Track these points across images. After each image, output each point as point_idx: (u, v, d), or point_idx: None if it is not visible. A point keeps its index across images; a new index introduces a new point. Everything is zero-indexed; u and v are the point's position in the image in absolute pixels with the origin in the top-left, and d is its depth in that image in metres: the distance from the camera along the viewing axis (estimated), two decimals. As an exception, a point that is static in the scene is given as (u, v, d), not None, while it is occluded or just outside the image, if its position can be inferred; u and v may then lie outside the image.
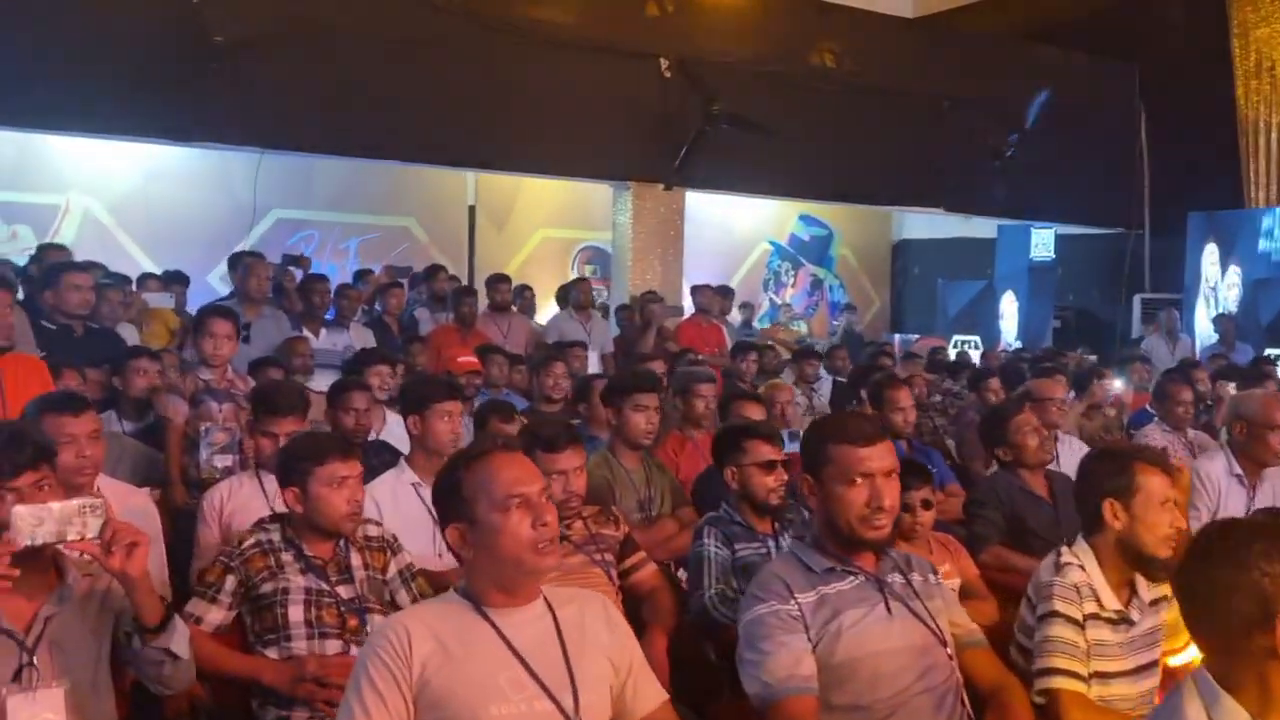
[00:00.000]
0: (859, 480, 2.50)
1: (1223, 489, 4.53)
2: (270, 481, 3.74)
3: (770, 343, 9.26)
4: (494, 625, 2.19)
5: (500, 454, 2.25)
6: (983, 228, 13.59)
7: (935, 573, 2.75)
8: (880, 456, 2.53)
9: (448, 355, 6.44)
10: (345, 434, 4.44)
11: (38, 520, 2.33)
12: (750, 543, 3.59)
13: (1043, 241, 12.63)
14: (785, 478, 3.65)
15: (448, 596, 2.29)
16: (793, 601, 2.51)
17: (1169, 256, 12.20)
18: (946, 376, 8.20)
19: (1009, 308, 12.83)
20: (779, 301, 14.13)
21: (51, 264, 5.81)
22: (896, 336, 13.64)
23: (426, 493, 3.90)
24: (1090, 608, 2.75)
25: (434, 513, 3.94)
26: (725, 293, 10.13)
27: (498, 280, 8.61)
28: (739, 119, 9.63)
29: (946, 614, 2.66)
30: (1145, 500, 2.77)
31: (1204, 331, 11.41)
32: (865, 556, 2.61)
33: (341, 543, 3.14)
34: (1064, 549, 2.86)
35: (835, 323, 14.29)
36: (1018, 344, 12.30)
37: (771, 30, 10.81)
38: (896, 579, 2.62)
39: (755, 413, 4.71)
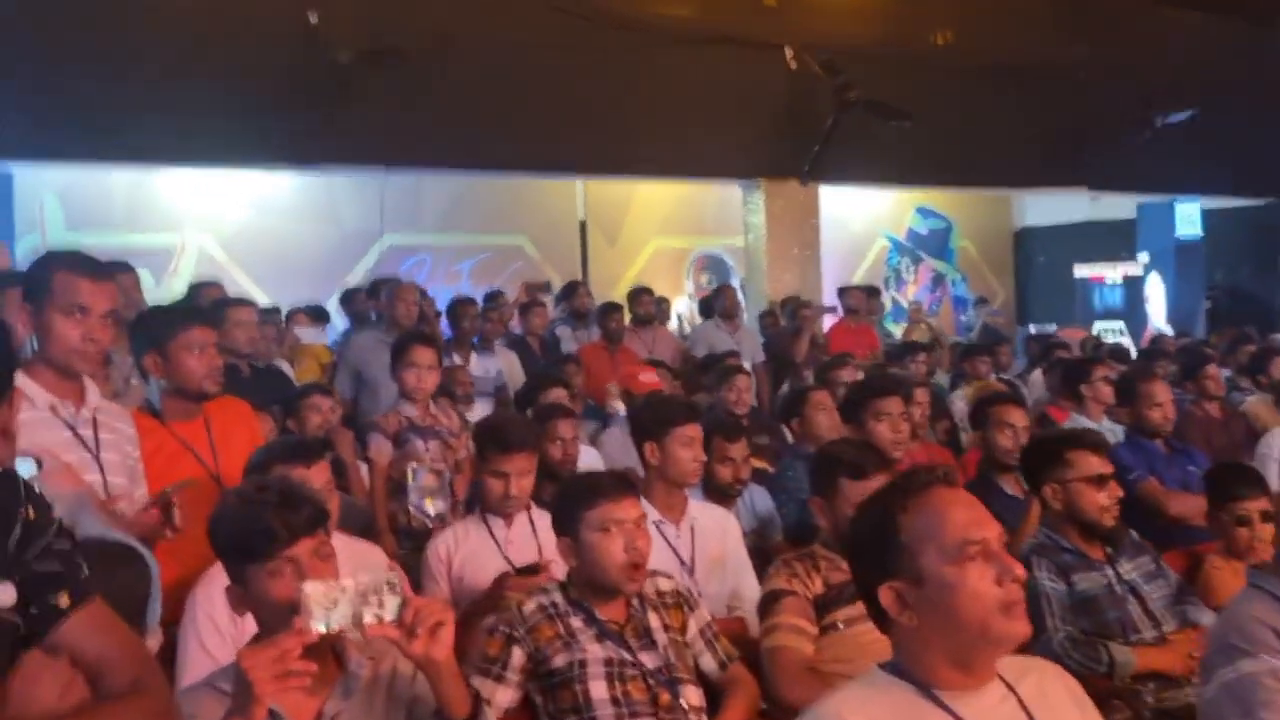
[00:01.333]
0: None
1: None
2: (500, 527, 3.30)
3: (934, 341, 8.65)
4: (955, 717, 1.67)
5: (944, 490, 1.73)
6: (1111, 208, 12.84)
7: None
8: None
9: (626, 374, 5.95)
10: (551, 465, 4.00)
11: (331, 601, 1.91)
12: (1088, 571, 3.04)
13: (1188, 217, 11.85)
14: (1120, 493, 3.10)
15: (875, 677, 1.78)
16: (1289, 654, 1.95)
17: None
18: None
19: (1155, 291, 12.07)
20: (902, 300, 13.47)
21: (215, 300, 5.43)
22: (1032, 327, 12.95)
23: (671, 531, 3.44)
24: None
25: (681, 555, 3.54)
26: (873, 293, 9.59)
27: (640, 293, 8.17)
28: (877, 105, 9.05)
29: None
30: None
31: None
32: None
33: (636, 602, 2.65)
34: None
35: (963, 318, 13.62)
36: (1167, 329, 11.57)
37: (890, 11, 10.24)
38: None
39: (1018, 417, 4.13)
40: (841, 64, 9.34)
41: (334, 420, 4.64)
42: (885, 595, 1.70)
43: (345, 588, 1.91)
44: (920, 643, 1.71)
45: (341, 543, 3.00)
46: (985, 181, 11.76)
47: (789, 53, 9.43)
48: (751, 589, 3.46)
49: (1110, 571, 3.06)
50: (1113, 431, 5.14)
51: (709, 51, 9.23)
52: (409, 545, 3.79)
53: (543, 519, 3.22)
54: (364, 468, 4.44)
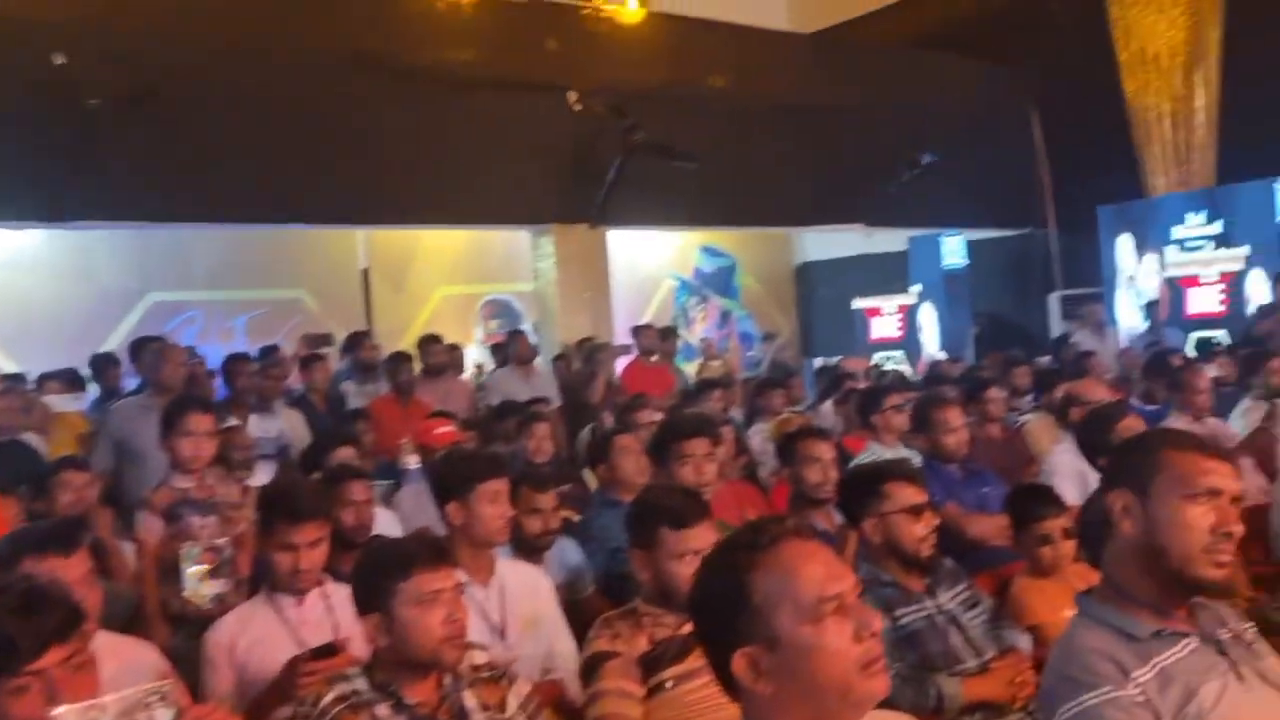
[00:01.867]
0: (1204, 498, 1.94)
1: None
2: (290, 606, 2.99)
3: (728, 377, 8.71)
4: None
5: (795, 542, 1.59)
6: (884, 242, 13.42)
7: (1245, 620, 2.20)
8: (1227, 474, 1.97)
9: (420, 427, 5.64)
10: (344, 532, 3.70)
11: (90, 724, 1.61)
12: (909, 606, 2.99)
13: (954, 249, 12.50)
14: (936, 522, 3.08)
15: (727, 752, 1.62)
16: (1131, 684, 1.90)
17: (1078, 252, 12.23)
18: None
19: (928, 319, 12.64)
20: (691, 339, 13.63)
21: (-57, 370, 4.81)
22: (817, 359, 13.33)
23: (479, 594, 3.21)
24: None
25: (492, 620, 3.30)
26: (668, 333, 9.57)
27: (430, 341, 7.87)
28: (663, 147, 9.11)
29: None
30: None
31: (1126, 321, 11.41)
32: (1182, 609, 2.03)
33: (449, 680, 2.41)
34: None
35: (751, 354, 13.88)
36: (941, 354, 12.11)
37: (668, 55, 10.42)
38: (1225, 635, 2.05)
39: (826, 452, 4.11)
40: (626, 107, 9.38)
41: (90, 498, 4.15)
42: (739, 663, 1.54)
43: (105, 707, 1.61)
44: (777, 710, 1.56)
45: (106, 642, 2.63)
46: (768, 221, 12.07)
47: (573, 96, 9.39)
48: (567, 648, 3.28)
49: (931, 603, 3.03)
50: (909, 459, 5.23)
51: (492, 96, 9.10)
52: (186, 633, 3.39)
53: (339, 593, 2.94)
54: (129, 547, 3.99)
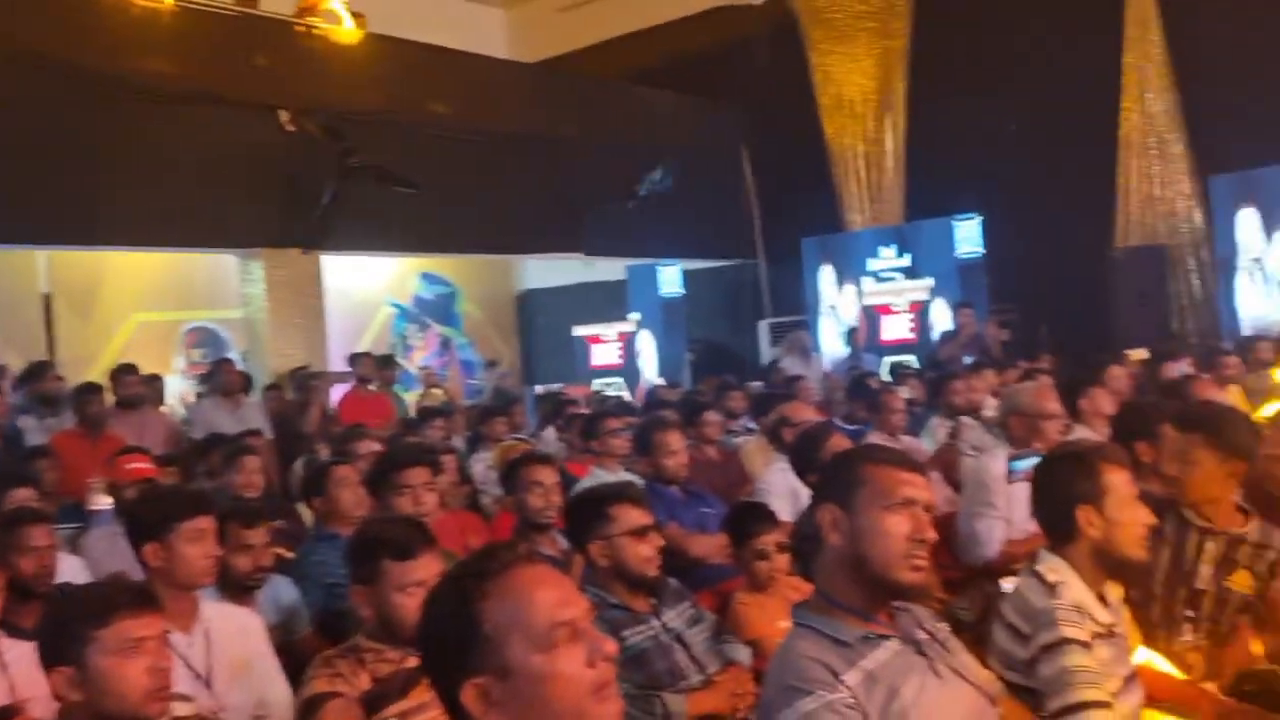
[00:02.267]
0: (900, 508, 2.05)
1: (1009, 487, 4.54)
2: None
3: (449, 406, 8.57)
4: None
5: (526, 569, 1.56)
6: (604, 271, 13.69)
7: (940, 620, 2.35)
8: (920, 485, 2.10)
9: (116, 465, 5.18)
10: (23, 582, 3.37)
11: None
12: (635, 626, 3.02)
13: (671, 278, 12.92)
14: (661, 542, 3.12)
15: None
16: (841, 687, 1.99)
17: (786, 282, 12.92)
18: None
19: (646, 346, 12.98)
20: (410, 367, 13.33)
21: None
22: (539, 387, 13.38)
23: (182, 641, 2.96)
24: (1090, 626, 2.48)
25: (196, 668, 3.06)
26: (387, 361, 9.31)
27: (123, 372, 7.31)
28: (382, 172, 8.88)
29: (973, 664, 2.27)
30: (1118, 500, 2.55)
31: (829, 347, 12.15)
32: (885, 613, 2.15)
33: (148, 737, 2.20)
34: (1041, 566, 2.57)
35: (473, 381, 13.76)
36: (660, 380, 12.46)
37: (387, 78, 10.20)
38: (922, 635, 2.18)
39: (547, 475, 4.10)
40: (343, 129, 9.09)
41: None
42: (468, 695, 1.48)
43: None
44: (512, 744, 1.51)
45: None
46: (489, 248, 12.02)
47: (285, 116, 9.02)
48: (281, 693, 3.08)
49: (656, 623, 3.07)
50: (632, 482, 5.32)
51: (194, 112, 8.57)
52: None
53: (15, 649, 2.64)
54: None
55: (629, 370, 12.97)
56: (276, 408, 8.21)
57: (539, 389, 12.95)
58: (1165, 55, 10.81)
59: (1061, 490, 2.56)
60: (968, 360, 9.62)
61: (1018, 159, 11.30)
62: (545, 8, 15.08)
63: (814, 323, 12.33)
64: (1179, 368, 6.80)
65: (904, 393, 7.94)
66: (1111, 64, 11.01)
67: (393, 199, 9.30)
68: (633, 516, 3.07)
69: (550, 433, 8.09)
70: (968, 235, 11.39)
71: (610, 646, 1.56)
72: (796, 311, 12.60)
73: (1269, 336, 8.61)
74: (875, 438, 6.20)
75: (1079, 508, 2.51)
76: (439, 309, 14.19)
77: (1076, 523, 2.52)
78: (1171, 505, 3.18)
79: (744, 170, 13.42)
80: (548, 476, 4.14)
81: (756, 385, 9.42)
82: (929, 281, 11.64)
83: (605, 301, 13.56)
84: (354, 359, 8.72)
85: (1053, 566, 2.55)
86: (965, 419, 6.47)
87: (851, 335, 11.59)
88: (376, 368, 8.82)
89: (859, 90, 12.63)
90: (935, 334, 11.17)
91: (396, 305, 13.74)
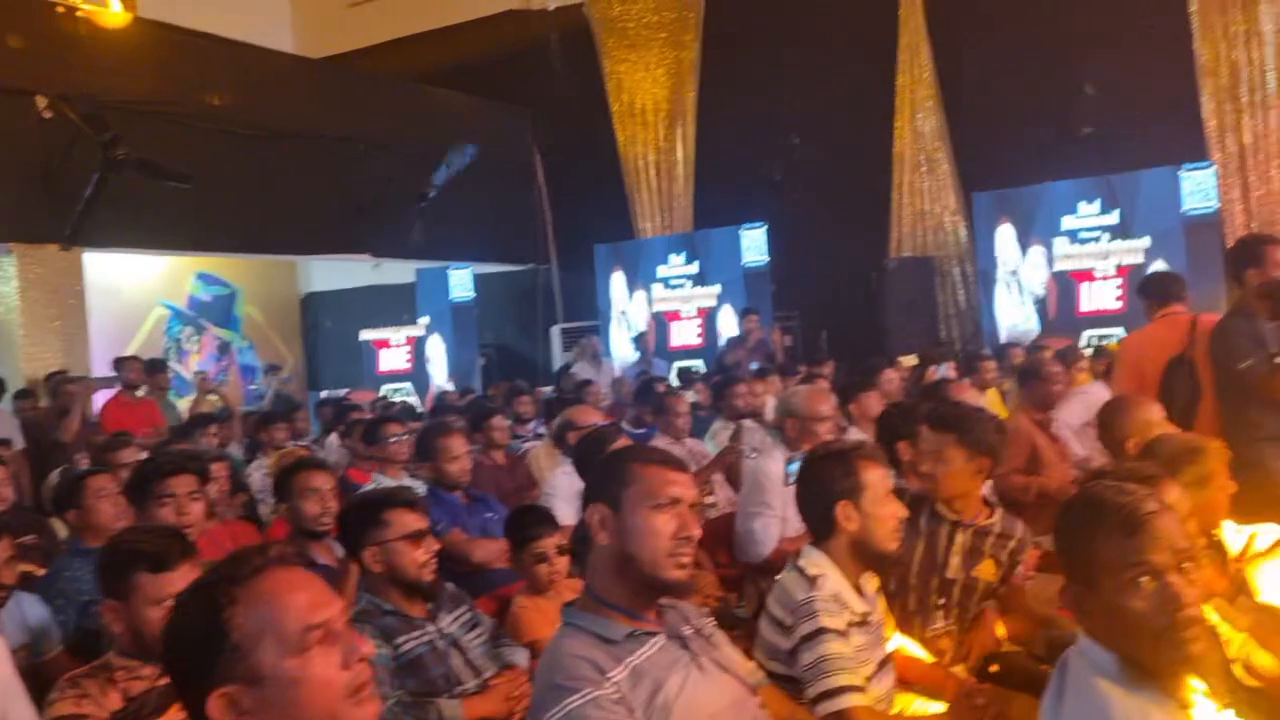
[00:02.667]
0: (667, 507, 2.10)
1: (785, 488, 4.70)
2: None
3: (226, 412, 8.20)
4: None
5: (279, 572, 1.50)
6: (393, 273, 13.43)
7: (706, 616, 2.42)
8: (686, 484, 2.14)
9: None
10: None
11: None
12: (411, 632, 2.96)
13: (461, 282, 12.78)
14: (437, 547, 3.08)
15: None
16: (608, 683, 2.01)
17: (578, 287, 13.00)
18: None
19: (436, 351, 12.79)
20: (185, 372, 12.68)
21: None
22: (323, 392, 13.00)
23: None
24: (846, 616, 2.61)
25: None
26: (156, 366, 8.81)
27: None
28: (150, 165, 8.40)
29: (736, 657, 2.34)
30: (874, 496, 2.68)
31: (620, 352, 12.30)
32: (653, 611, 2.20)
33: None
34: (803, 560, 2.68)
35: (253, 387, 13.21)
36: (449, 386, 12.31)
37: (159, 66, 9.67)
38: (687, 631, 2.24)
39: (323, 480, 3.97)
40: (108, 118, 8.56)
41: None
42: (215, 706, 1.42)
43: None
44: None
45: None
46: (271, 249, 11.57)
47: (42, 102, 8.41)
48: (22, 718, 2.87)
49: (432, 628, 3.02)
50: (415, 487, 5.23)
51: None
52: None
53: None
54: None
55: (418, 375, 12.75)
56: (30, 416, 7.64)
57: (323, 394, 12.59)
58: (934, 78, 11.48)
59: (822, 487, 2.67)
60: (754, 365, 9.96)
61: (801, 171, 11.77)
62: (334, 2, 14.69)
63: (605, 328, 12.46)
64: (941, 372, 7.22)
65: (690, 397, 8.14)
66: (887, 84, 11.63)
67: (164, 194, 8.83)
68: (408, 521, 3.02)
69: (333, 439, 7.86)
70: (754, 244, 11.76)
71: (367, 647, 1.53)
72: (588, 317, 12.69)
73: (1022, 344, 9.27)
74: (660, 441, 6.32)
75: (838, 504, 2.63)
76: (217, 311, 13.55)
77: (836, 518, 2.64)
78: (925, 500, 3.37)
79: (537, 175, 13.44)
80: (323, 483, 4.01)
81: (546, 390, 9.44)
82: (716, 288, 11.95)
83: (394, 305, 13.29)
84: (119, 363, 8.23)
85: (814, 560, 2.66)
86: (747, 422, 6.68)
87: (641, 340, 11.77)
88: (145, 373, 8.35)
89: (650, 99, 12.87)
90: (722, 340, 11.48)
91: (170, 306, 13.03)
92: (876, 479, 2.68)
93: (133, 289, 12.40)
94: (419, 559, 3.00)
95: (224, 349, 13.62)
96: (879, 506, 2.65)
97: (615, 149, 12.99)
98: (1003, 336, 10.34)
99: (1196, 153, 10.15)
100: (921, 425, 3.54)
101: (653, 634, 2.13)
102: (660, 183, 12.92)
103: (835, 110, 11.58)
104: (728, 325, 11.71)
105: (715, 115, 12.48)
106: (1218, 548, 3.10)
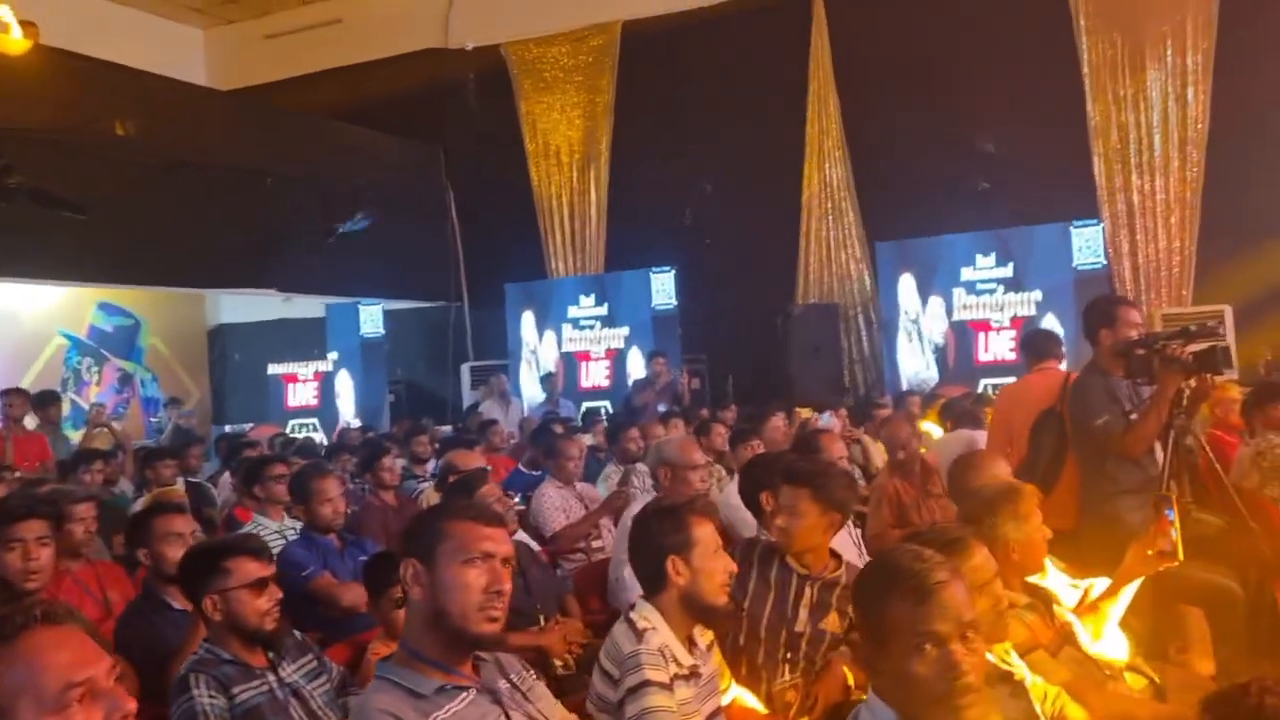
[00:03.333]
0: (479, 561, 2.14)
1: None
2: None
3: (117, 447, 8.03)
4: None
5: (43, 631, 1.51)
6: (303, 307, 13.31)
7: (527, 669, 2.45)
8: (500, 539, 2.19)
9: None
10: None
11: None
12: (249, 682, 2.93)
13: (371, 318, 12.71)
14: (280, 595, 3.06)
15: None
16: (411, 739, 2.03)
17: (490, 325, 12.99)
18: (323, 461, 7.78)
19: (344, 386, 12.69)
20: (83, 403, 12.38)
21: None
22: (227, 427, 12.81)
23: None
24: (673, 669, 2.65)
25: None
26: (47, 398, 8.61)
27: None
28: (43, 194, 8.25)
29: (555, 710, 2.37)
30: (703, 551, 2.74)
31: (529, 392, 12.30)
32: (467, 664, 2.22)
33: None
34: (634, 613, 2.72)
35: (154, 420, 12.96)
36: (356, 422, 12.21)
37: (63, 95, 9.51)
38: (503, 685, 2.27)
39: (184, 525, 3.92)
40: (3, 147, 8.39)
41: None
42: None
43: None
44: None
45: None
46: (174, 281, 11.37)
47: (-68, 127, 8.25)
48: None
49: (273, 678, 2.99)
50: (294, 529, 5.19)
51: None
52: None
53: None
54: None
55: (326, 411, 12.64)
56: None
57: (228, 428, 12.41)
58: (841, 129, 11.74)
59: (653, 542, 2.73)
60: (662, 408, 10.04)
61: (711, 216, 11.96)
62: (249, 34, 14.61)
63: (515, 368, 12.46)
64: (824, 421, 7.35)
65: (588, 439, 8.19)
66: (796, 133, 11.86)
67: (62, 223, 8.65)
68: (250, 569, 3.00)
69: (227, 476, 7.75)
70: (662, 287, 11.88)
71: (130, 704, 1.53)
72: (499, 356, 12.69)
73: (921, 392, 9.48)
74: (551, 484, 6.35)
75: (668, 558, 2.69)
76: (119, 342, 13.28)
77: (666, 572, 2.69)
78: (776, 553, 3.44)
79: (450, 212, 13.44)
80: (183, 526, 3.96)
81: (444, 429, 9.41)
82: (625, 330, 12.04)
83: (304, 340, 13.17)
84: (5, 395, 8.02)
85: (644, 614, 2.71)
86: (639, 465, 6.73)
87: (548, 381, 11.79)
88: (33, 405, 8.16)
89: (565, 140, 12.98)
90: (631, 381, 11.54)
91: (69, 336, 12.75)
92: (707, 535, 2.73)
93: (31, 317, 12.13)
94: (260, 607, 2.98)
95: (126, 381, 13.34)
96: (708, 561, 2.71)
97: (529, 189, 13.06)
98: (904, 384, 10.56)
99: (1088, 210, 10.52)
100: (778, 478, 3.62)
101: (465, 688, 2.16)
102: (573, 224, 13.01)
103: (746, 158, 11.80)
104: (636, 367, 11.79)
105: (629, 158, 12.63)
106: (1044, 598, 3.21)
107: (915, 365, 10.81)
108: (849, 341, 11.72)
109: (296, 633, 3.25)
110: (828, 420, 7.37)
